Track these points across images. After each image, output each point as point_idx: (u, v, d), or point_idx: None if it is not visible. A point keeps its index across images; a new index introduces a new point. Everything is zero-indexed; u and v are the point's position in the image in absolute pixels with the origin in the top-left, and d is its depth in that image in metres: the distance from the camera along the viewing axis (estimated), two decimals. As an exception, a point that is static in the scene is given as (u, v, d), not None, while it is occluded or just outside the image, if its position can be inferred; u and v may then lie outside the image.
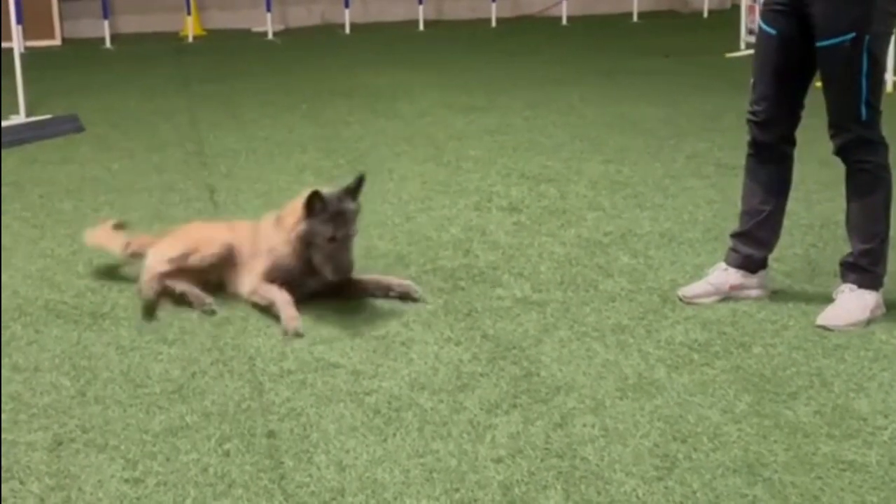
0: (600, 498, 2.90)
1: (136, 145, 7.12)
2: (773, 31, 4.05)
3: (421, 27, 12.44)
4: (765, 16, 4.09)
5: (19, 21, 8.17)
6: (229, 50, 11.41)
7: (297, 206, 4.21)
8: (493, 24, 12.32)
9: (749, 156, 4.24)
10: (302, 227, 4.15)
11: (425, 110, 7.99)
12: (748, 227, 4.27)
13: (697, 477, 2.99)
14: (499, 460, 3.10)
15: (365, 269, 4.66)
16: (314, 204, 4.12)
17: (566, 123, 7.53)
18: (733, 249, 4.30)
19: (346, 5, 12.41)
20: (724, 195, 5.57)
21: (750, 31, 10.10)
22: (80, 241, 4.83)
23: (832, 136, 4.03)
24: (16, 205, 5.73)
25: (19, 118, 7.75)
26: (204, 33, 12.40)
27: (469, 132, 7.36)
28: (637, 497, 2.90)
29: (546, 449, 3.16)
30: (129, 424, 3.34)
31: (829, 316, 4.01)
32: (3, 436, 3.26)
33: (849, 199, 4.12)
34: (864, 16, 3.87)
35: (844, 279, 4.12)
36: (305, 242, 4.17)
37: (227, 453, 3.16)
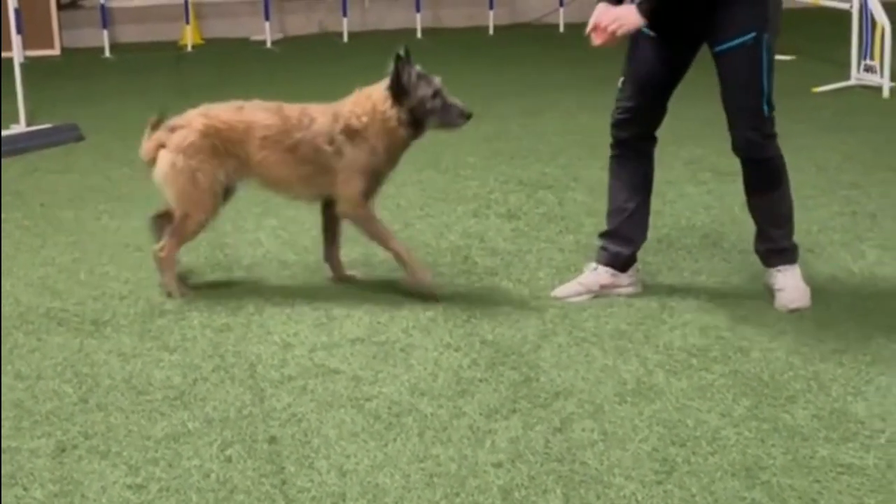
0: (600, 502, 2.92)
1: (136, 154, 7.09)
2: (652, 34, 4.13)
3: (419, 35, 12.47)
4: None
5: (19, 31, 8.19)
6: (228, 58, 11.44)
7: (360, 100, 4.36)
8: (491, 31, 12.36)
9: (614, 156, 4.38)
10: (407, 103, 4.28)
11: (424, 118, 7.98)
12: (615, 226, 4.38)
13: (696, 480, 3.01)
14: (499, 465, 3.12)
15: (366, 278, 4.69)
16: (400, 78, 4.25)
17: (564, 130, 7.55)
18: (602, 248, 4.41)
19: (345, 14, 12.45)
20: (721, 201, 5.59)
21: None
22: (82, 248, 4.85)
23: (738, 138, 4.14)
24: (17, 214, 5.75)
25: (20, 127, 7.77)
26: (203, 42, 12.43)
27: (467, 139, 7.37)
28: (636, 501, 2.92)
29: (546, 453, 3.18)
30: (132, 431, 3.36)
31: (790, 299, 4.17)
32: (6, 443, 3.28)
33: (756, 193, 4.26)
34: (763, 14, 4.00)
35: (773, 265, 4.28)
36: (417, 114, 4.29)
37: (228, 459, 3.18)
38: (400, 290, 4.44)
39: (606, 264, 4.37)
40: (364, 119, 4.34)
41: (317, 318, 4.25)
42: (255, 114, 4.46)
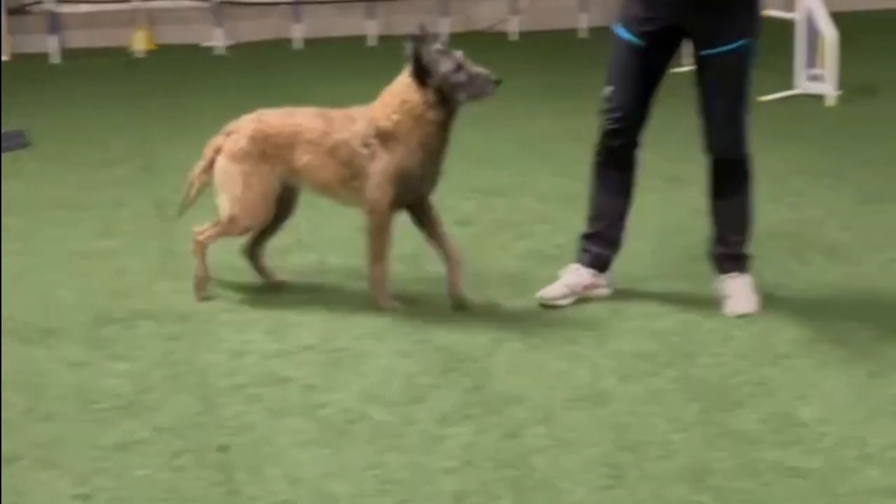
0: (551, 507, 2.94)
1: (85, 160, 7.07)
2: (639, 42, 4.18)
3: (371, 42, 12.47)
4: (631, 27, 4.21)
5: (-34, 36, 8.08)
6: (180, 64, 11.36)
7: (387, 99, 4.29)
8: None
9: (601, 162, 4.41)
10: (432, 83, 4.18)
11: (376, 125, 7.97)
12: (600, 228, 4.43)
13: (646, 485, 3.04)
14: (451, 471, 3.12)
15: (319, 285, 4.69)
16: (421, 58, 4.17)
17: (516, 137, 7.58)
18: (585, 250, 4.45)
19: (297, 20, 12.42)
20: (672, 208, 5.64)
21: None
22: (30, 257, 4.79)
23: (717, 140, 4.23)
24: (-37, 221, 5.67)
25: (-34, 134, 7.66)
26: (154, 48, 12.33)
27: (420, 146, 7.40)
28: (587, 505, 2.94)
29: (497, 459, 3.19)
30: (80, 441, 3.33)
31: (739, 305, 4.24)
32: (-49, 454, 3.23)
33: (722, 195, 4.33)
34: (752, 22, 4.12)
35: (726, 270, 4.35)
36: (445, 92, 4.20)
37: (178, 468, 3.16)
38: (353, 296, 4.43)
39: (590, 266, 4.43)
40: (394, 117, 4.26)
41: (269, 325, 4.23)
42: (303, 118, 4.43)
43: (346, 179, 4.35)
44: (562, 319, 4.25)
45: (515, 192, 6.12)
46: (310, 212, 5.51)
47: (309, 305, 4.42)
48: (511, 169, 6.68)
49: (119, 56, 11.92)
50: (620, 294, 4.48)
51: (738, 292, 4.29)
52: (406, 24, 14.04)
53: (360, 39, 12.52)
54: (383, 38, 12.71)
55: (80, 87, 10.19)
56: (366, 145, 4.29)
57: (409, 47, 4.23)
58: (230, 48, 12.26)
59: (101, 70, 11.03)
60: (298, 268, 4.86)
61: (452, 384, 3.69)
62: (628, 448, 3.24)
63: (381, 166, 4.27)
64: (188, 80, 10.34)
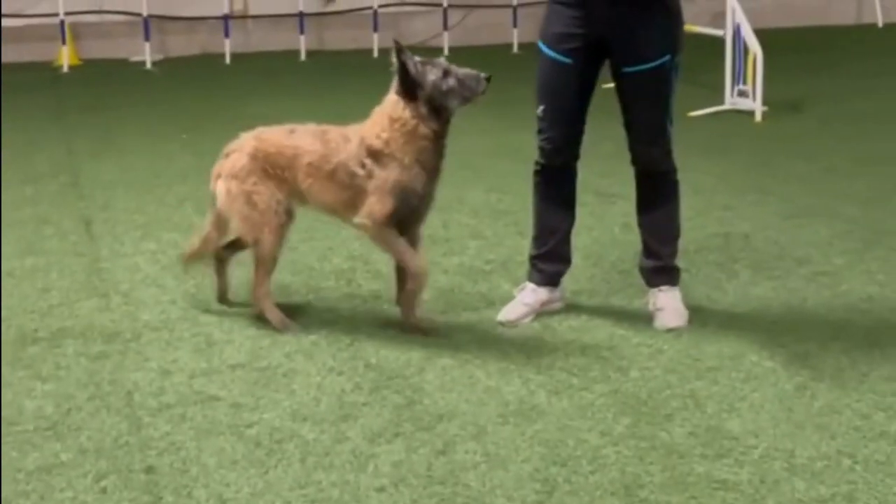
0: (482, 524, 2.93)
1: (8, 177, 6.93)
2: (568, 61, 4.21)
3: (303, 57, 12.43)
4: (556, 45, 4.24)
5: None
6: (106, 80, 11.22)
7: (376, 118, 4.18)
8: (375, 54, 12.37)
9: (542, 181, 4.45)
10: (423, 94, 4.09)
11: (307, 140, 7.92)
12: (550, 246, 4.46)
13: (577, 500, 3.04)
14: (381, 489, 3.10)
15: (248, 302, 4.63)
16: (408, 72, 4.08)
17: (448, 152, 7.56)
18: (538, 270, 4.48)
19: (227, 35, 12.33)
20: (602, 222, 5.68)
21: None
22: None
23: (643, 153, 4.29)
24: None
25: None
26: (80, 63, 12.17)
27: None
28: (518, 521, 2.94)
29: (429, 476, 3.17)
30: (2, 464, 3.24)
31: (669, 319, 4.27)
32: None
33: (650, 208, 4.39)
34: (673, 39, 4.16)
35: (655, 284, 4.39)
36: (437, 101, 4.11)
37: (104, 490, 3.10)
38: (284, 312, 4.38)
39: (545, 284, 4.45)
40: (384, 135, 4.16)
41: (196, 343, 4.17)
42: (303, 139, 4.30)
43: (351, 201, 4.24)
44: (493, 335, 4.25)
45: (448, 208, 6.11)
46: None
47: (238, 323, 4.37)
48: (443, 185, 6.66)
49: (44, 71, 11.74)
50: (551, 309, 4.48)
51: (668, 306, 4.33)
52: (337, 39, 14.00)
53: (292, 54, 12.48)
54: (313, 54, 12.68)
55: (4, 102, 10.01)
56: (362, 165, 4.18)
57: (393, 63, 4.13)
58: (159, 63, 12.14)
59: (25, 85, 10.85)
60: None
61: (383, 401, 3.67)
62: (559, 463, 3.25)
63: (378, 182, 4.16)
64: (115, 96, 10.21)
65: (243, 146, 4.37)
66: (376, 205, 4.18)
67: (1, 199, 5.79)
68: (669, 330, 4.22)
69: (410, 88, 4.12)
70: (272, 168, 4.29)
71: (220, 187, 4.36)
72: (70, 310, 4.55)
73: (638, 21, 4.10)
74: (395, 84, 4.17)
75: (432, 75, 4.12)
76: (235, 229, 4.40)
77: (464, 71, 4.18)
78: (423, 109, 4.14)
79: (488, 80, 4.20)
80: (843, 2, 14.59)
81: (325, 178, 4.25)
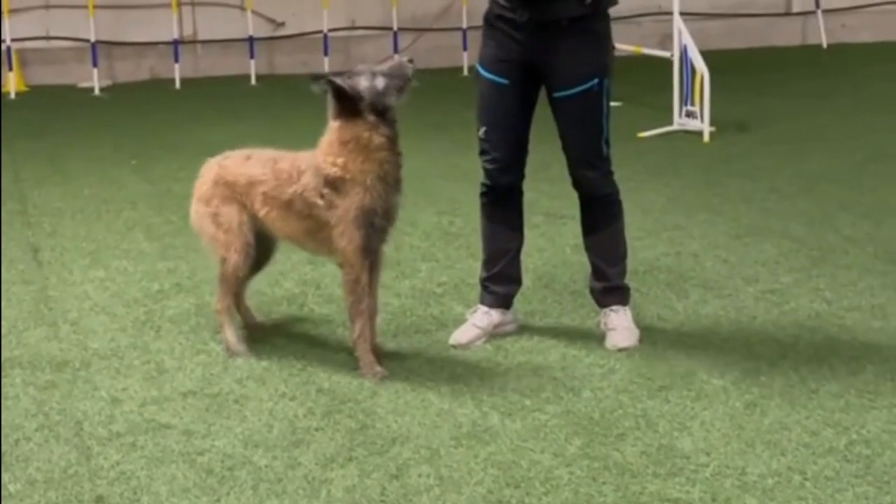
0: (436, 547, 2.92)
1: (-46, 205, 6.85)
2: (505, 82, 4.25)
3: (253, 81, 12.40)
4: (492, 67, 4.27)
5: None
6: (54, 106, 11.12)
7: (324, 147, 4.14)
8: (326, 78, 12.41)
9: (488, 203, 4.47)
10: (364, 105, 4.06)
11: (258, 165, 7.88)
12: (500, 268, 4.48)
13: (531, 521, 3.04)
14: (335, 515, 3.08)
15: (197, 327, 4.60)
16: (344, 92, 4.06)
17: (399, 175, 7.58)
18: (490, 292, 4.49)
19: (176, 60, 12.27)
20: (553, 243, 5.71)
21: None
22: None
23: (580, 177, 4.33)
24: None
25: None
26: (27, 89, 12.06)
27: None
28: (472, 544, 2.93)
29: (382, 501, 3.17)
30: (-53, 497, 3.19)
31: (621, 338, 4.30)
32: None
33: (595, 230, 4.43)
34: (603, 61, 4.20)
35: (606, 304, 4.43)
36: (379, 104, 4.08)
37: (52, 522, 3.05)
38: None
39: (497, 306, 4.46)
40: (339, 161, 4.09)
41: (147, 371, 4.14)
42: (255, 167, 4.29)
43: (311, 231, 4.21)
44: (445, 357, 4.25)
45: (399, 231, 6.08)
46: (192, 255, 5.44)
47: (188, 350, 4.34)
48: (394, 207, 6.67)
49: (-10, 97, 11.62)
50: (503, 331, 4.49)
51: (619, 325, 4.36)
52: (287, 63, 13.98)
53: (243, 79, 12.44)
54: (263, 78, 12.67)
55: (-50, 129, 9.89)
56: (320, 196, 4.13)
57: (323, 90, 4.11)
58: (107, 89, 12.05)
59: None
60: (176, 312, 4.77)
61: (336, 426, 3.66)
62: (513, 484, 3.25)
63: (341, 213, 4.10)
64: (63, 122, 10.12)
65: (208, 170, 4.41)
66: (343, 240, 4.12)
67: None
68: (621, 349, 4.25)
69: (351, 106, 4.10)
70: (233, 193, 4.30)
71: (191, 209, 4.44)
72: (18, 339, 4.49)
73: (564, 46, 4.13)
74: (331, 110, 4.15)
75: (364, 82, 4.12)
76: (205, 248, 4.45)
77: (386, 65, 4.22)
78: (371, 119, 4.10)
79: (410, 60, 4.24)
80: (788, 23, 14.80)
81: (281, 207, 4.23)
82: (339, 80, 4.09)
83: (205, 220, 4.35)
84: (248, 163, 4.33)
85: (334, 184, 4.11)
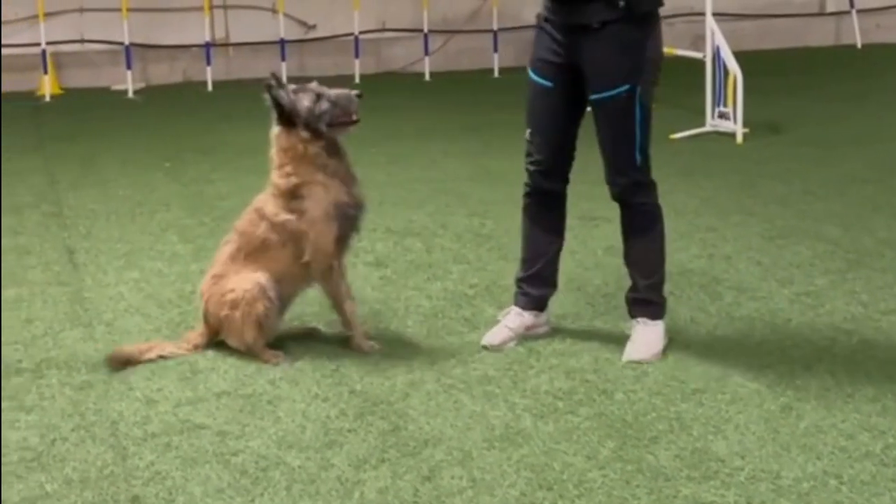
0: (469, 549, 2.92)
1: (-10, 207, 6.92)
2: (549, 84, 4.24)
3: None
4: (537, 69, 4.27)
5: None
6: (88, 108, 11.21)
7: (274, 161, 4.26)
8: (357, 79, 12.41)
9: (531, 204, 4.45)
10: (300, 121, 4.19)
11: (290, 167, 7.91)
12: (537, 269, 4.46)
13: (564, 524, 3.03)
14: (368, 516, 3.09)
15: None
16: (281, 104, 4.19)
17: (430, 178, 7.60)
18: (524, 293, 4.48)
19: (208, 62, 12.35)
20: (585, 246, 5.69)
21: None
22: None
23: (611, 182, 4.28)
24: None
25: None
26: (62, 92, 12.16)
27: (334, 188, 7.36)
28: (505, 547, 2.93)
29: (414, 503, 3.17)
30: (-15, 496, 3.23)
31: (635, 351, 4.23)
32: None
33: (630, 238, 4.36)
34: (636, 67, 4.13)
35: (634, 315, 4.36)
36: (312, 124, 4.20)
37: (88, 521, 3.08)
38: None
39: (530, 308, 4.45)
40: (287, 169, 4.25)
41: (181, 372, 4.16)
42: (227, 245, 4.40)
43: (298, 255, 4.28)
44: (477, 360, 4.25)
45: (430, 233, 6.13)
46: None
47: (222, 351, 4.36)
48: (426, 209, 6.69)
49: (25, 100, 11.73)
50: (535, 333, 4.48)
51: (638, 338, 4.28)
52: (318, 65, 14.04)
53: (273, 81, 12.49)
54: (294, 80, 12.73)
55: (-14, 131, 10.00)
56: (289, 211, 4.26)
57: (266, 97, 4.23)
58: (141, 91, 12.14)
59: (6, 115, 10.83)
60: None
61: (368, 427, 3.67)
62: (546, 487, 3.25)
63: (310, 214, 4.24)
64: (97, 124, 10.20)
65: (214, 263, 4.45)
66: (320, 238, 4.25)
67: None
68: (630, 361, 4.17)
69: (288, 118, 4.24)
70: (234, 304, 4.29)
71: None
72: (54, 340, 4.53)
73: (595, 49, 4.10)
74: (274, 116, 4.27)
75: (306, 101, 4.24)
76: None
77: (335, 91, 4.31)
78: (305, 134, 4.24)
79: (360, 96, 4.32)
80: (821, 24, 14.71)
81: (258, 251, 4.28)
82: (279, 92, 4.22)
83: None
84: (221, 282, 4.32)
85: (293, 192, 4.26)
